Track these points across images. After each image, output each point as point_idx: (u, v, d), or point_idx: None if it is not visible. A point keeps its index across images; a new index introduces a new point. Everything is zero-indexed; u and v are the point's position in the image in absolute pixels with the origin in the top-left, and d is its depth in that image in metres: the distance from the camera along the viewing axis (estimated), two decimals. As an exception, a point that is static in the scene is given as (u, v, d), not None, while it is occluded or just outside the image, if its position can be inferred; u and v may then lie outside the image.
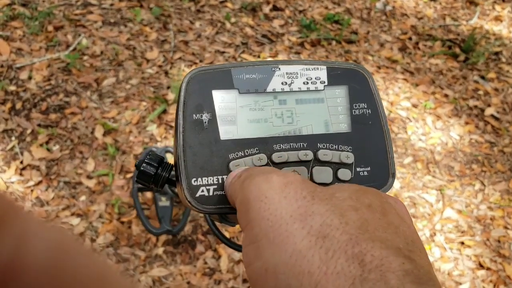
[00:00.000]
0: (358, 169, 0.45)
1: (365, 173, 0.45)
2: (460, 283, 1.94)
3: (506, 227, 2.16)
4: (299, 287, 0.28)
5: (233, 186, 0.38)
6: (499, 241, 2.11)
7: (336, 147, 0.45)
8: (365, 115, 0.47)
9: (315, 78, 0.47)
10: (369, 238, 0.28)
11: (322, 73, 0.47)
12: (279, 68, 0.47)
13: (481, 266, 2.02)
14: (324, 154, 0.44)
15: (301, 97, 0.46)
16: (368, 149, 0.46)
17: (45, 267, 0.17)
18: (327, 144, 0.45)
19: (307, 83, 0.47)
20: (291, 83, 0.46)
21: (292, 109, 0.46)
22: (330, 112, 0.46)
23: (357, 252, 0.27)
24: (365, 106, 0.47)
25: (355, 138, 0.46)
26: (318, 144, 0.45)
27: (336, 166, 0.44)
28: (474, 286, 1.95)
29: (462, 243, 2.08)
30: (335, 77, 0.47)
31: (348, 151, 0.45)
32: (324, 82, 0.47)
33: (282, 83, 0.46)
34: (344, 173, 0.44)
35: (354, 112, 0.47)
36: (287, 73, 0.47)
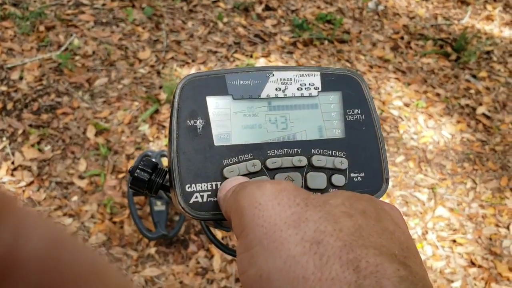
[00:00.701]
0: (352, 174, 0.45)
1: (359, 178, 0.45)
2: (452, 281, 1.95)
3: (497, 225, 2.18)
4: None
5: (228, 201, 0.37)
6: (490, 239, 2.12)
7: (330, 152, 0.45)
8: (359, 120, 0.47)
9: (309, 84, 0.47)
10: (363, 244, 0.28)
11: (316, 79, 0.47)
12: (273, 74, 0.47)
13: (472, 263, 2.03)
14: (318, 159, 0.44)
15: (295, 103, 0.46)
16: (361, 155, 0.46)
17: (42, 259, 0.17)
18: (321, 150, 0.45)
19: (301, 89, 0.47)
20: (285, 89, 0.46)
21: (286, 115, 0.46)
22: (324, 118, 0.46)
23: (352, 258, 0.27)
24: (359, 112, 0.47)
25: (349, 144, 0.46)
26: (312, 149, 0.45)
27: (330, 171, 0.44)
28: (466, 283, 1.96)
29: (454, 241, 2.09)
30: (328, 83, 0.47)
31: (342, 156, 0.45)
32: (318, 88, 0.47)
33: (276, 89, 0.46)
34: (338, 179, 0.44)
35: (348, 117, 0.47)
36: (281, 79, 0.47)
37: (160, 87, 2.35)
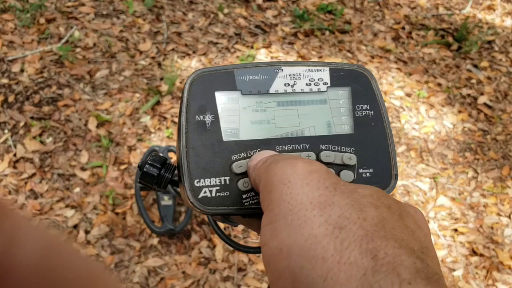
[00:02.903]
0: (360, 170, 0.45)
1: (368, 174, 0.45)
2: (454, 270, 1.96)
3: (499, 214, 2.18)
4: (311, 270, 0.28)
5: (258, 170, 0.38)
6: (492, 228, 2.13)
7: (339, 148, 0.45)
8: (368, 116, 0.46)
9: (318, 80, 0.47)
10: (384, 236, 0.29)
11: (324, 74, 0.47)
12: (282, 70, 0.46)
13: (474, 252, 2.03)
14: (327, 155, 0.44)
15: (303, 99, 0.46)
16: (370, 151, 0.46)
17: (35, 266, 0.17)
18: (330, 146, 0.45)
19: (310, 84, 0.47)
20: (294, 84, 0.46)
21: (295, 110, 0.46)
22: (333, 114, 0.46)
23: (372, 248, 0.28)
24: (368, 108, 0.47)
25: (357, 140, 0.46)
26: (321, 145, 0.45)
27: (339, 167, 0.44)
28: (468, 272, 1.96)
29: (456, 230, 2.09)
30: (337, 78, 0.47)
31: (350, 152, 0.45)
32: (327, 84, 0.47)
33: (285, 84, 0.46)
34: (347, 175, 0.44)
35: (357, 113, 0.46)
36: (290, 75, 0.46)
37: (161, 79, 2.35)
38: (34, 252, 0.17)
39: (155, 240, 1.83)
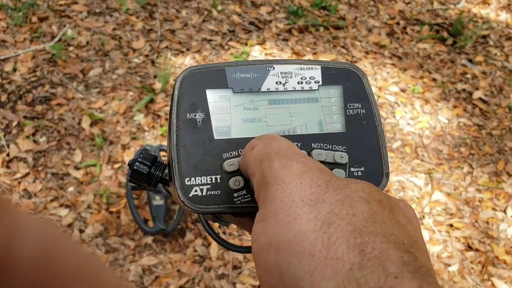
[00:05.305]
0: (352, 169, 0.45)
1: (359, 173, 0.45)
2: (449, 265, 1.96)
3: (494, 209, 2.18)
4: (298, 266, 0.29)
5: (246, 157, 0.38)
6: (487, 223, 2.13)
7: (330, 147, 0.45)
8: (360, 115, 0.46)
9: (310, 78, 0.47)
10: (373, 231, 0.29)
11: (316, 72, 0.47)
12: (274, 68, 0.46)
13: (469, 247, 2.03)
14: (318, 154, 0.44)
15: (295, 97, 0.46)
16: (362, 149, 0.46)
17: (35, 259, 0.17)
18: (321, 144, 0.45)
19: (302, 82, 0.46)
20: (286, 82, 0.46)
21: (286, 108, 0.46)
22: (325, 112, 0.46)
23: (359, 243, 0.28)
24: (359, 106, 0.47)
25: (349, 138, 0.46)
26: (312, 144, 0.44)
27: (330, 166, 0.44)
28: (463, 267, 1.97)
29: (451, 225, 2.09)
30: (329, 76, 0.47)
31: (342, 151, 0.45)
32: (319, 82, 0.47)
33: (276, 83, 0.46)
34: (338, 173, 0.44)
35: (348, 112, 0.46)
36: (281, 73, 0.46)
37: (155, 77, 2.34)
38: (34, 244, 0.17)
39: (149, 239, 1.83)
